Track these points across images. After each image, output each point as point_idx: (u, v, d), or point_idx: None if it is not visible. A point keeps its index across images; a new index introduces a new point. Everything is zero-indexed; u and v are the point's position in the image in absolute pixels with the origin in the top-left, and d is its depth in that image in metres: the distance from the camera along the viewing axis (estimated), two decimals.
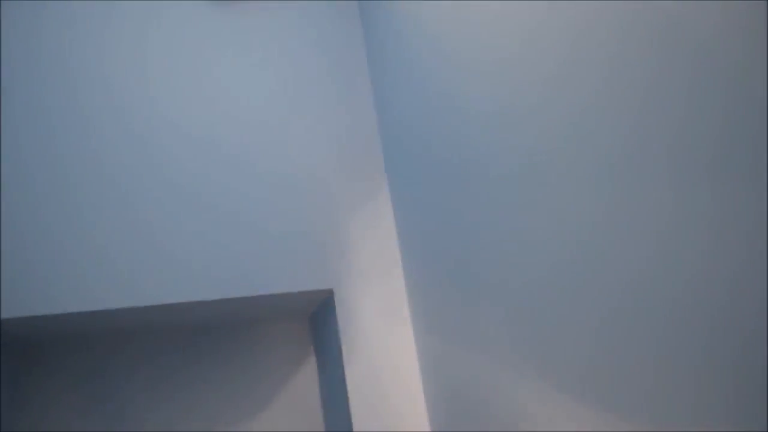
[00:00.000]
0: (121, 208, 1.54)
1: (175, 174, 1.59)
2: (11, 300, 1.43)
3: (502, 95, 1.08)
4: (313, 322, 1.83)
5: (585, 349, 0.90)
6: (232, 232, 1.58)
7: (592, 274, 0.87)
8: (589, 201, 0.87)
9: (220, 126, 1.66)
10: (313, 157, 1.67)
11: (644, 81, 0.75)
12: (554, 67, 0.93)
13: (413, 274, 1.55)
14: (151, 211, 1.55)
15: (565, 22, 0.90)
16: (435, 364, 1.45)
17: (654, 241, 0.75)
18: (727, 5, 0.62)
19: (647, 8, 0.73)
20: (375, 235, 1.65)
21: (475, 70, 1.17)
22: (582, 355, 0.91)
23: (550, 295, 0.97)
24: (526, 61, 1.00)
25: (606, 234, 0.84)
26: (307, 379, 1.81)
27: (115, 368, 1.72)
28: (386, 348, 1.56)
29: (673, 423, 0.74)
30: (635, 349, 0.80)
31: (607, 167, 0.83)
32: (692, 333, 0.70)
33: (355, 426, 1.49)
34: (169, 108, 1.64)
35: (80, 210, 1.52)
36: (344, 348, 1.55)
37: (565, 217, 0.93)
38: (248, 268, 1.56)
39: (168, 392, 1.72)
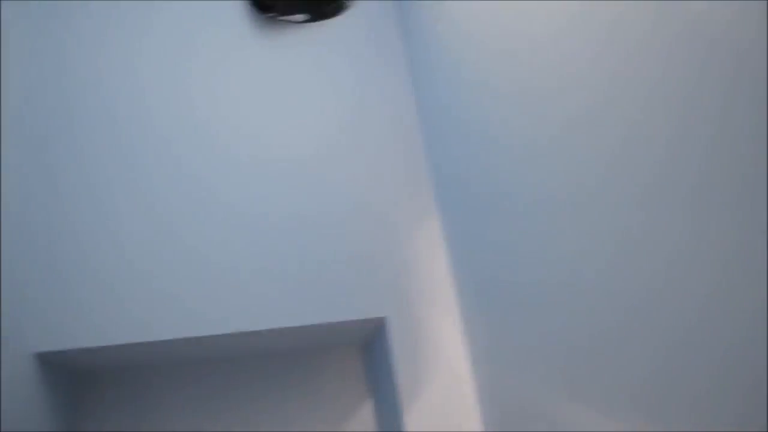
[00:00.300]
0: (174, 239, 1.58)
1: (228, 203, 1.63)
2: (66, 333, 1.47)
3: (551, 124, 1.09)
4: (365, 351, 1.82)
5: (640, 371, 0.93)
6: (281, 261, 1.59)
7: (652, 299, 0.90)
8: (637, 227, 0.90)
9: (269, 155, 1.69)
10: (363, 186, 1.69)
11: (680, 107, 0.78)
12: (597, 98, 0.96)
13: (467, 300, 1.53)
14: (202, 242, 1.59)
15: (609, 49, 0.94)
16: (493, 391, 1.42)
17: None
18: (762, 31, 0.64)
19: (689, 37, 0.77)
20: (426, 262, 1.64)
21: (521, 101, 1.19)
22: (638, 376, 0.93)
23: (609, 318, 0.96)
24: (571, 92, 1.03)
25: (667, 261, 0.87)
26: (361, 408, 1.79)
27: (165, 397, 1.73)
28: (442, 376, 1.54)
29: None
30: (680, 367, 0.82)
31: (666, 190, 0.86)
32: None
33: None
34: (219, 133, 1.70)
35: (140, 243, 1.58)
36: (398, 377, 1.52)
37: (621, 242, 0.94)
38: (299, 297, 1.56)
39: (218, 421, 1.73)
